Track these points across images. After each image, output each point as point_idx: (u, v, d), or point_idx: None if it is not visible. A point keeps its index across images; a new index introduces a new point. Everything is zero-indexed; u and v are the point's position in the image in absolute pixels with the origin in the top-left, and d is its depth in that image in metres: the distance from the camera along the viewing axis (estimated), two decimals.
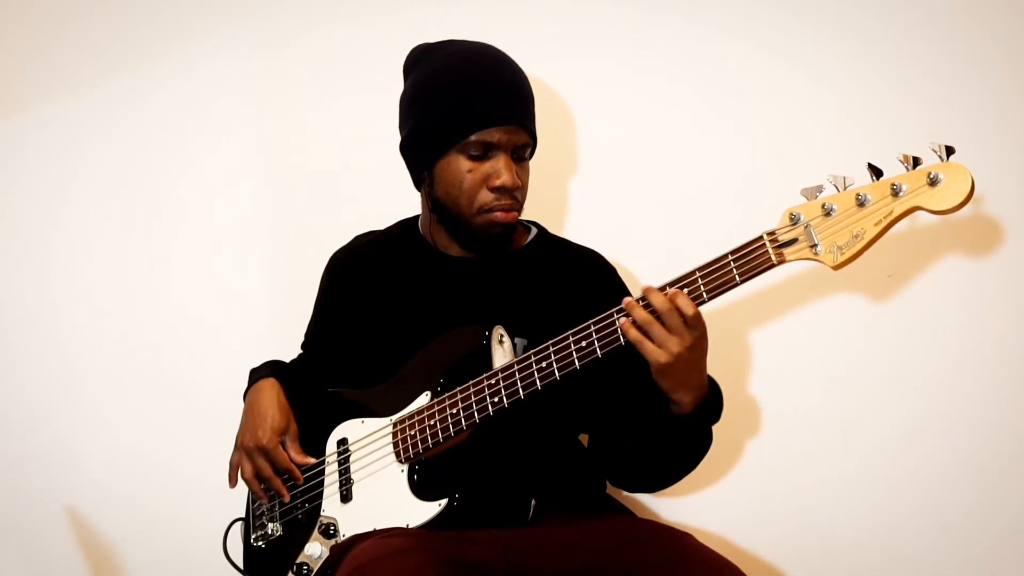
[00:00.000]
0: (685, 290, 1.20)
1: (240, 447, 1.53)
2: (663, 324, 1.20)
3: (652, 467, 1.40)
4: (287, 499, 1.50)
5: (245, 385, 1.61)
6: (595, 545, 1.31)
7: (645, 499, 1.91)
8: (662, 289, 1.22)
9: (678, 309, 1.19)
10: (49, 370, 2.17)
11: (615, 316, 1.25)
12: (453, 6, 2.01)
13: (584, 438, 1.58)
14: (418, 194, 1.56)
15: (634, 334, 1.22)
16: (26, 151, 2.19)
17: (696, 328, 1.21)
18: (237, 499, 1.63)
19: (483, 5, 2.01)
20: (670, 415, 1.30)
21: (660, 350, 1.21)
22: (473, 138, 1.41)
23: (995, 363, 1.80)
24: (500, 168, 1.42)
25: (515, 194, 1.45)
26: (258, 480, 1.52)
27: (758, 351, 1.89)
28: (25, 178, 2.20)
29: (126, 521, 2.13)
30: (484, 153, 1.42)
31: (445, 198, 1.46)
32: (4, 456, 2.17)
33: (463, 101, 1.41)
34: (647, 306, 1.22)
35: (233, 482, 1.57)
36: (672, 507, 1.91)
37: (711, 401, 1.32)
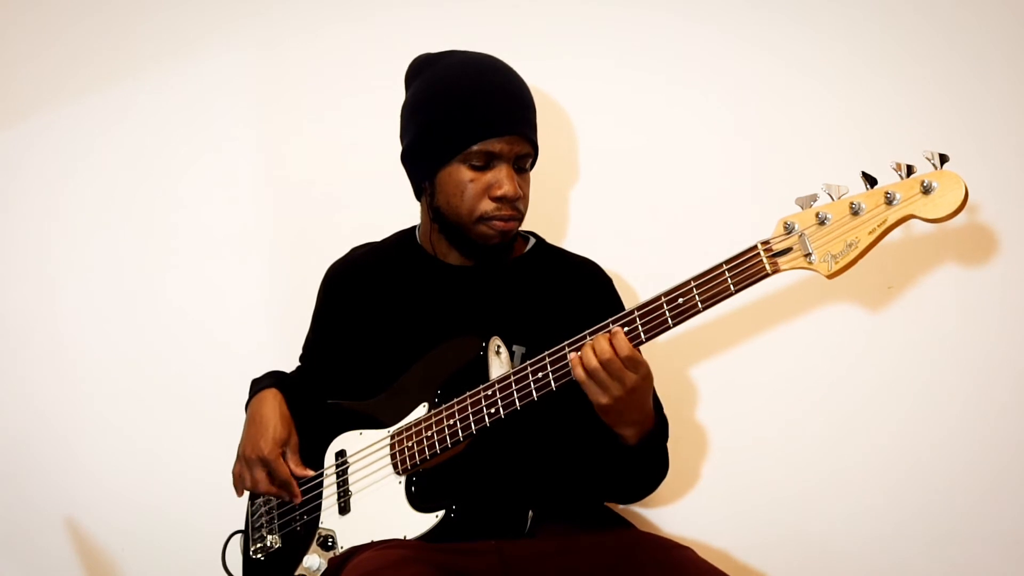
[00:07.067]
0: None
1: (242, 457, 1.54)
2: (605, 369, 1.23)
3: (608, 487, 1.46)
4: (297, 500, 1.50)
5: (246, 393, 1.61)
6: (594, 558, 1.30)
7: (645, 512, 1.91)
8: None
9: (615, 350, 1.22)
10: (49, 377, 2.18)
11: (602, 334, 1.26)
12: (452, 12, 2.02)
13: None
14: (417, 203, 1.57)
15: (579, 373, 1.25)
16: (25, 156, 2.20)
17: (636, 370, 1.24)
18: (237, 507, 1.63)
19: (482, 10, 2.02)
20: (619, 445, 1.34)
21: (601, 392, 1.25)
22: (475, 148, 1.41)
23: (991, 372, 1.79)
24: (502, 178, 1.42)
25: (516, 204, 1.45)
26: (258, 490, 1.52)
27: (755, 360, 1.88)
28: (24, 183, 2.21)
29: (126, 529, 2.13)
30: (486, 163, 1.43)
31: (446, 207, 1.46)
32: (4, 463, 2.18)
33: (465, 111, 1.41)
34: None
35: (239, 493, 1.57)
36: (672, 519, 1.90)
37: (656, 432, 1.35)
